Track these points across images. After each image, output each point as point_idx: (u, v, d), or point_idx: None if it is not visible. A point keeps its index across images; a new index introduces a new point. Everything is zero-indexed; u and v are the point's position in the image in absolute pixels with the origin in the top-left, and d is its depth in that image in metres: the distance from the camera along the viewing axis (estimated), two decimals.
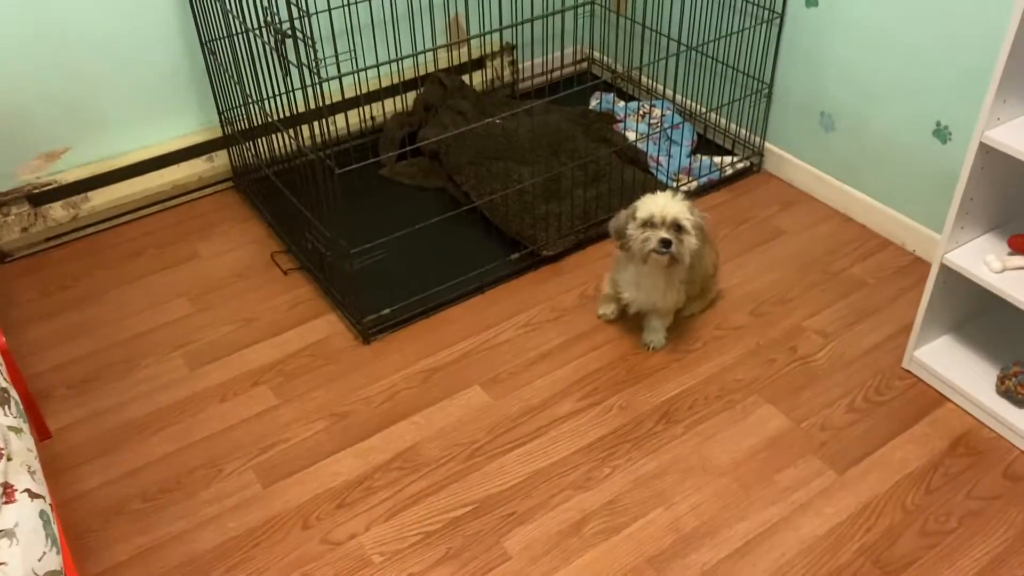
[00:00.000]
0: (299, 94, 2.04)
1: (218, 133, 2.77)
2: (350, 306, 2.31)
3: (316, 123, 1.99)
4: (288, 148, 2.42)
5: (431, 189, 2.81)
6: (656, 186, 2.67)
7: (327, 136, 1.98)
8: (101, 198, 2.65)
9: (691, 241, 1.98)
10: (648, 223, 1.98)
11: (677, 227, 1.97)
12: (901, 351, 2.19)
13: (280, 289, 2.48)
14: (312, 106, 1.95)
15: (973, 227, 1.94)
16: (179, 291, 2.48)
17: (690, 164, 2.81)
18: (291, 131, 2.19)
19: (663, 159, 2.82)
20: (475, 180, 2.64)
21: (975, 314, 2.18)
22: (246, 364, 2.24)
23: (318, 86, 1.89)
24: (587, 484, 1.92)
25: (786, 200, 2.75)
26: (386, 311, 2.31)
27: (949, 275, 1.98)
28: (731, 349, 2.23)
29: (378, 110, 2.96)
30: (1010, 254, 1.91)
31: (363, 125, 2.93)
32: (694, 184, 2.76)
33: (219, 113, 2.71)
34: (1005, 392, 1.98)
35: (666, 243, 1.95)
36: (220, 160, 2.81)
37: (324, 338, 2.31)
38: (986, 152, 1.78)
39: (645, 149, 2.80)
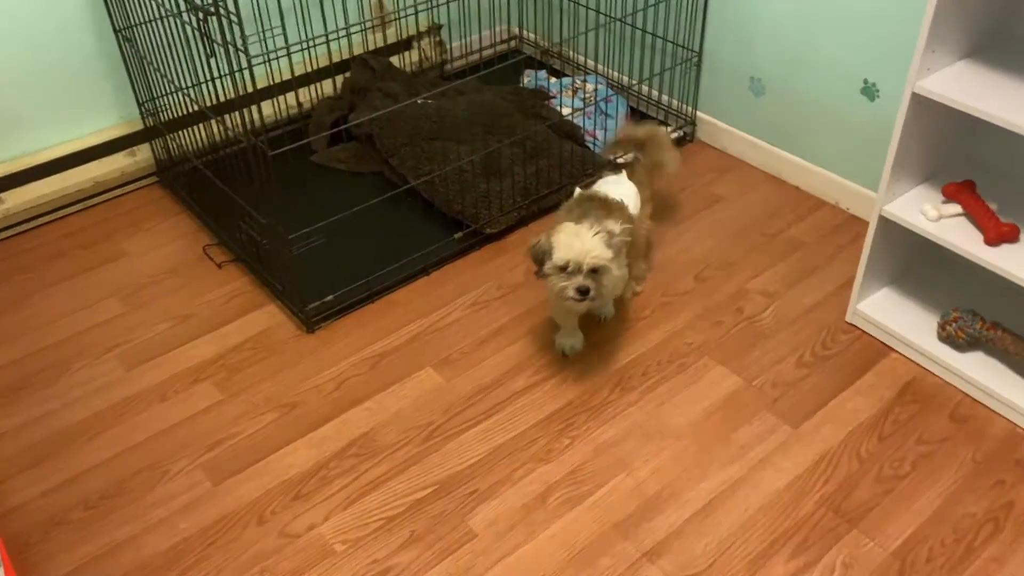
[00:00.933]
0: (225, 81, 1.96)
1: (139, 126, 2.66)
2: (291, 295, 2.24)
3: (246, 108, 1.91)
4: (217, 137, 2.33)
5: (367, 174, 2.74)
6: (594, 160, 2.66)
7: (256, 122, 1.91)
8: (16, 199, 2.51)
9: (612, 276, 1.90)
10: (565, 267, 1.87)
11: (594, 269, 1.87)
12: (844, 306, 2.23)
13: (215, 283, 2.39)
14: (240, 90, 1.87)
15: (908, 179, 1.98)
16: (107, 291, 2.36)
17: None
18: (220, 118, 2.10)
19: (599, 132, 2.81)
20: (412, 161, 2.59)
21: (913, 265, 2.24)
22: (185, 361, 2.15)
23: (246, 69, 1.82)
24: (548, 456, 1.90)
25: (721, 167, 2.77)
26: (329, 297, 2.25)
27: (887, 227, 2.02)
28: (679, 315, 2.24)
29: (305, 96, 2.88)
30: (944, 202, 1.96)
31: (291, 111, 2.84)
32: (630, 156, 2.76)
33: (139, 104, 2.59)
34: (947, 338, 2.03)
35: (583, 291, 1.86)
36: (143, 154, 2.69)
37: (266, 329, 2.24)
38: (918, 103, 1.82)
39: (580, 123, 2.79)
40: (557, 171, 2.60)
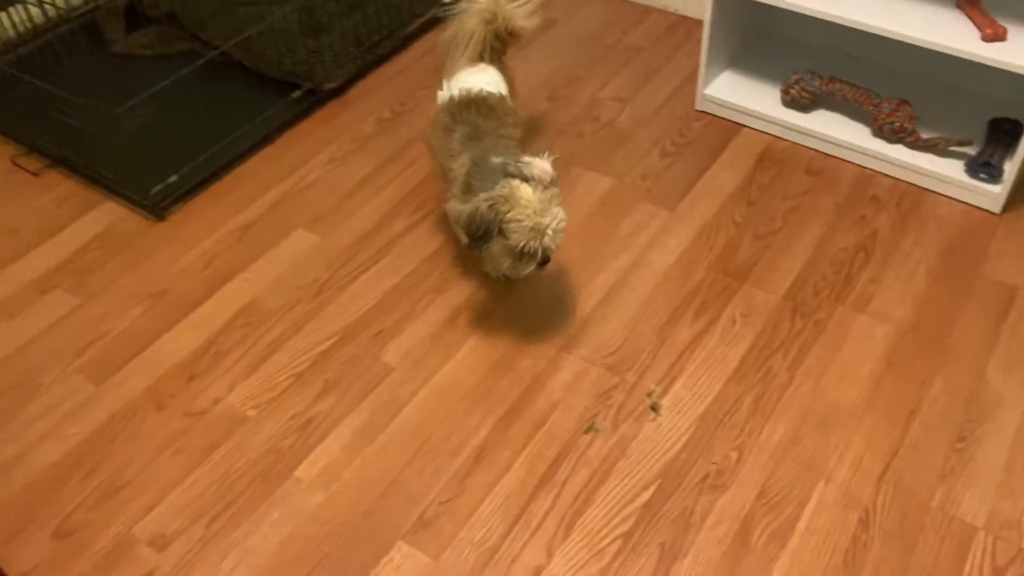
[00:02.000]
0: None
1: None
2: (129, 183, 2.04)
3: None
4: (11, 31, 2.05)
5: (176, 55, 2.51)
6: (420, 2, 2.55)
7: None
8: None
9: (562, 223, 1.58)
10: (523, 251, 1.55)
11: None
12: (692, 96, 2.30)
13: (36, 192, 2.14)
14: None
15: None
16: None
17: None
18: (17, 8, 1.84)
19: None
20: (226, 30, 2.39)
21: (748, 45, 2.32)
22: (26, 275, 1.94)
23: None
24: (444, 286, 1.87)
25: None
26: (173, 178, 2.07)
27: (723, 4, 2.07)
28: (541, 134, 2.23)
29: None
30: None
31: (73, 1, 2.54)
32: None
33: None
34: (791, 101, 2.14)
35: (546, 262, 1.59)
36: None
37: (110, 226, 2.04)
38: None
39: None
40: (385, 16, 2.49)
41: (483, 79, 1.82)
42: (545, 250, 1.56)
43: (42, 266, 1.95)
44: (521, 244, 1.54)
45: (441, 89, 1.87)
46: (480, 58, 1.88)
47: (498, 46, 1.91)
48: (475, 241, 1.57)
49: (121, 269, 1.94)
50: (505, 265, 1.60)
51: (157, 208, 2.04)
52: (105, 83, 2.37)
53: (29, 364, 1.75)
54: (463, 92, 1.76)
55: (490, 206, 1.53)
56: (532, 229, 1.53)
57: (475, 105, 1.73)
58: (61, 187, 2.15)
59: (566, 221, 1.58)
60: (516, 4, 1.88)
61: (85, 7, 2.54)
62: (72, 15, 2.49)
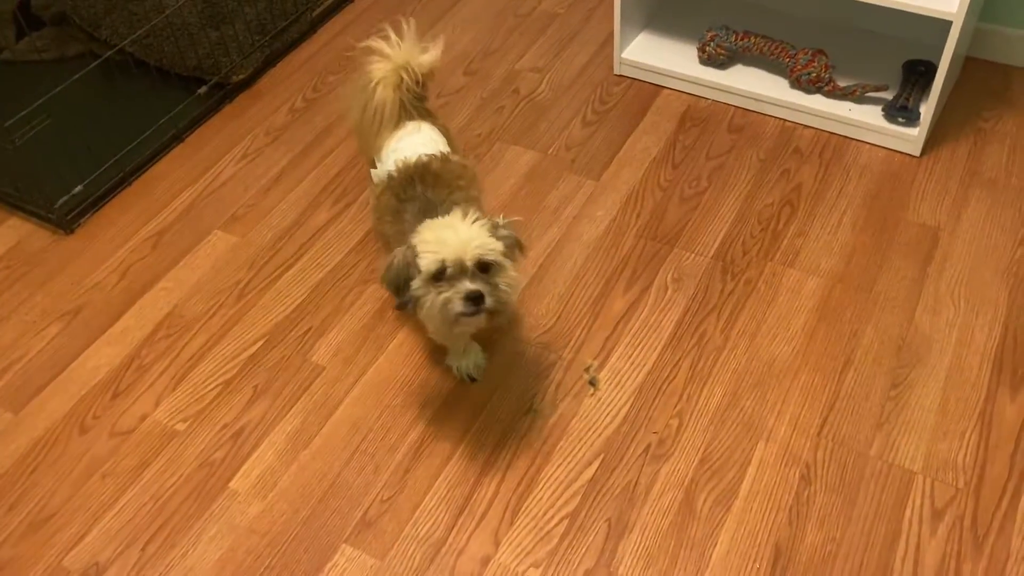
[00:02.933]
0: None
1: None
2: (32, 197, 1.94)
3: None
4: None
5: (72, 57, 2.39)
6: None
7: None
8: None
9: (511, 277, 1.36)
10: (440, 275, 1.32)
11: (483, 267, 1.33)
12: (609, 61, 2.26)
13: None
14: None
15: None
16: None
17: None
18: None
19: None
20: (124, 27, 2.28)
21: (663, 3, 2.29)
22: None
23: None
24: (372, 276, 1.82)
25: None
26: (78, 188, 1.97)
27: None
28: (461, 110, 2.18)
29: None
30: None
31: None
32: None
33: None
34: (708, 59, 2.12)
35: (476, 298, 1.30)
36: None
37: (15, 244, 1.94)
38: None
39: None
40: (290, 1, 2.40)
41: (417, 141, 1.57)
42: (460, 263, 1.30)
43: None
44: (434, 263, 1.30)
45: (374, 167, 1.65)
46: (402, 120, 1.61)
47: (415, 100, 1.62)
48: (401, 294, 1.36)
49: (31, 288, 1.85)
50: (436, 305, 1.32)
51: (64, 221, 1.95)
52: None
53: None
54: (401, 165, 1.51)
55: (403, 251, 1.35)
56: (440, 242, 1.31)
57: (419, 176, 1.49)
58: None
59: (494, 247, 1.33)
60: (413, 47, 1.59)
61: None
62: None
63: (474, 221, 1.34)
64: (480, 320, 1.35)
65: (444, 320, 1.34)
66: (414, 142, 1.57)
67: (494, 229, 1.35)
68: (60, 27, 2.44)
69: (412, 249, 1.33)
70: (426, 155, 1.53)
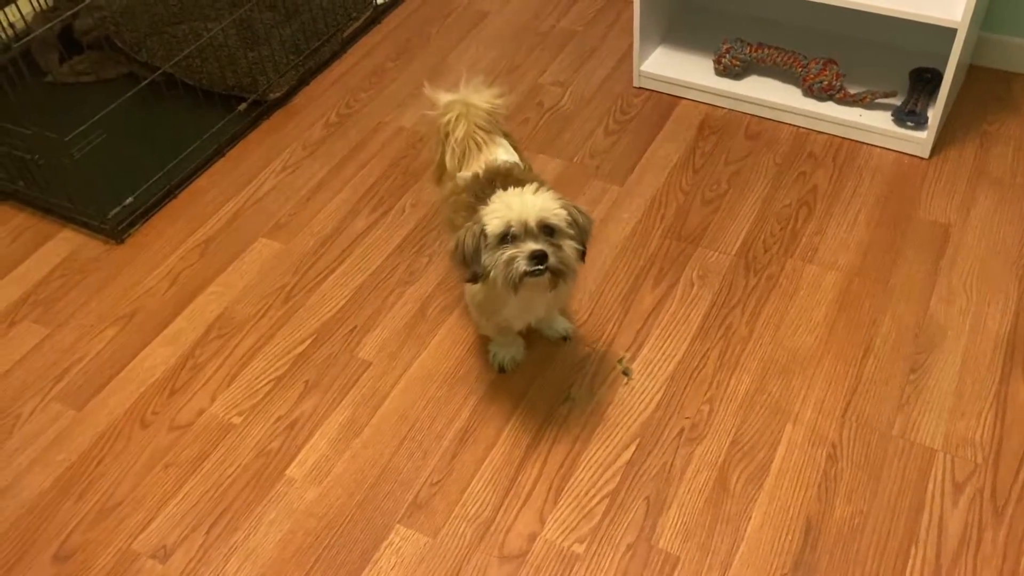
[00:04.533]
0: None
1: None
2: (85, 209, 2.04)
3: None
4: None
5: (115, 79, 2.51)
6: (353, 6, 2.59)
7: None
8: None
9: (571, 246, 1.42)
10: (505, 237, 1.39)
11: (548, 230, 1.40)
12: (628, 75, 2.37)
13: None
14: None
15: None
16: None
17: None
18: None
19: None
20: (163, 49, 2.40)
21: (677, 20, 2.41)
22: None
23: None
24: (411, 278, 1.92)
25: None
26: (129, 200, 2.08)
27: None
28: None
29: (14, 14, 2.55)
30: None
31: (4, 34, 2.51)
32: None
33: None
34: (723, 71, 2.23)
35: (540, 257, 1.36)
36: None
37: (70, 254, 2.04)
38: None
39: None
40: (321, 22, 2.52)
41: (500, 151, 1.66)
42: (524, 225, 1.37)
43: (5, 300, 1.95)
44: (500, 226, 1.37)
45: (438, 184, 1.75)
46: (484, 145, 1.66)
47: (488, 125, 1.68)
48: (471, 271, 1.43)
49: (86, 295, 1.95)
50: (500, 266, 1.38)
51: (116, 231, 2.05)
52: (47, 113, 2.36)
53: (5, 397, 1.76)
54: (485, 167, 1.58)
55: (473, 224, 1.42)
56: (507, 207, 1.38)
57: (500, 179, 1.53)
58: (14, 221, 2.14)
59: (558, 212, 1.40)
60: (479, 96, 1.66)
61: (17, 40, 2.51)
62: (13, 45, 2.46)
63: (537, 191, 1.41)
64: (544, 282, 1.39)
65: (508, 279, 1.38)
66: (498, 151, 1.66)
67: (559, 199, 1.42)
68: (100, 51, 2.56)
69: (478, 223, 1.40)
70: (509, 162, 1.61)
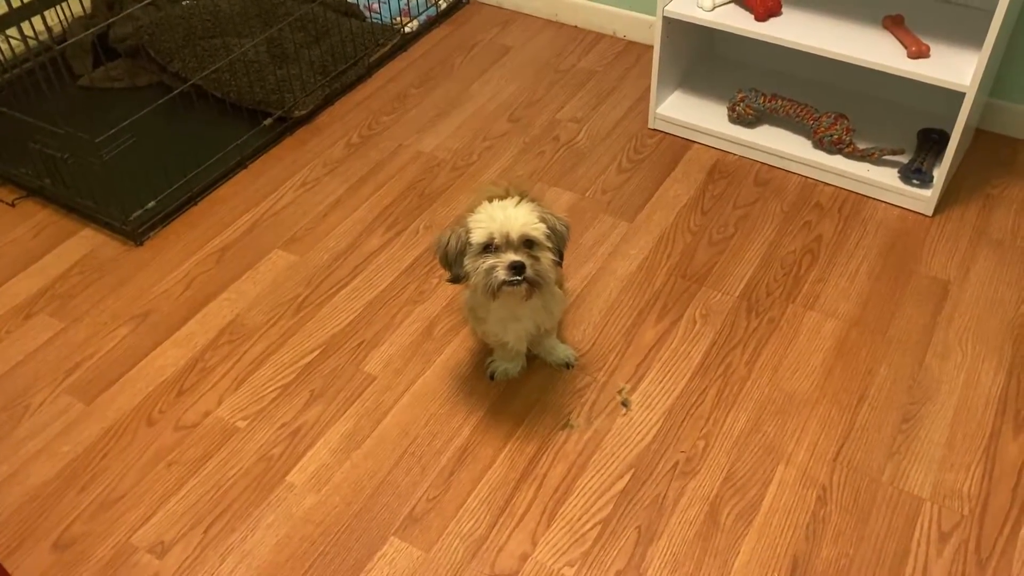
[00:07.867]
0: None
1: None
2: (108, 210, 2.10)
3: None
4: None
5: (145, 87, 2.58)
6: (381, 33, 2.67)
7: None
8: None
9: (548, 258, 1.50)
10: (488, 247, 1.48)
11: (528, 243, 1.48)
12: (644, 116, 2.43)
13: (13, 222, 2.18)
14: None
15: None
16: None
17: (408, 4, 2.83)
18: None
19: (376, 6, 2.81)
20: (195, 61, 2.47)
21: (695, 66, 2.48)
22: (7, 301, 1.98)
23: None
24: (420, 298, 1.96)
25: (502, 21, 2.87)
26: (151, 204, 2.13)
27: (671, 27, 2.22)
28: (504, 153, 2.35)
29: (53, 19, 2.63)
30: None
31: (41, 37, 2.58)
32: (415, 24, 2.79)
33: None
34: (737, 118, 2.29)
35: (518, 268, 1.45)
36: None
37: (89, 252, 2.09)
38: None
39: (355, 0, 2.77)
40: (350, 45, 2.59)
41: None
42: (506, 237, 1.45)
43: (23, 292, 2.00)
44: (483, 236, 1.45)
45: None
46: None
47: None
48: (451, 272, 1.52)
49: (102, 292, 1.99)
50: (481, 273, 1.46)
51: (136, 233, 2.10)
52: (78, 115, 2.43)
53: (17, 387, 1.79)
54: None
55: (458, 227, 1.51)
56: (490, 218, 1.46)
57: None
58: (38, 216, 2.19)
59: (538, 226, 1.47)
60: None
61: (54, 43, 2.59)
62: (54, 46, 2.54)
63: (519, 202, 1.50)
64: (521, 292, 1.48)
65: (487, 287, 1.47)
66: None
67: (541, 213, 1.50)
68: (133, 59, 2.64)
69: (463, 230, 1.50)
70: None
